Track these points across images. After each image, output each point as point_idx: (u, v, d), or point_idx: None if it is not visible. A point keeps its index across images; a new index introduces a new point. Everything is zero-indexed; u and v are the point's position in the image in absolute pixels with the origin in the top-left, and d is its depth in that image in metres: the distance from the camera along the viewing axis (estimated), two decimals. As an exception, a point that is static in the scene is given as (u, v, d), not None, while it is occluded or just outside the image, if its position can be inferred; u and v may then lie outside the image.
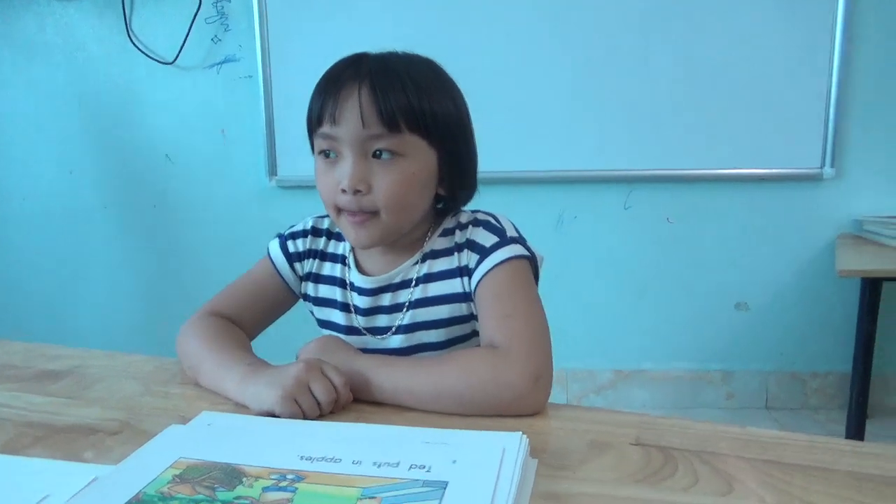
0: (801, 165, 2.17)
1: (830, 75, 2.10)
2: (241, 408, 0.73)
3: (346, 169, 0.78)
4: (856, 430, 1.80)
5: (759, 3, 2.08)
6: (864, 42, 2.09)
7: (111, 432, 0.69)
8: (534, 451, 0.61)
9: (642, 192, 2.25)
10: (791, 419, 2.26)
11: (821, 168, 2.15)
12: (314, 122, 0.81)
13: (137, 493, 0.54)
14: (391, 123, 0.77)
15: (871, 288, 1.77)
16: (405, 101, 0.77)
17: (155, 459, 0.60)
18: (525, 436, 0.60)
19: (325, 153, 0.81)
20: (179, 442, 0.64)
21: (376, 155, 0.78)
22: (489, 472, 0.55)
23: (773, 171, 2.18)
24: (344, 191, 0.78)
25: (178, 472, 0.58)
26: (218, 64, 2.30)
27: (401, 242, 0.87)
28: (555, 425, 0.68)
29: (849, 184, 2.18)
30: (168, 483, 0.56)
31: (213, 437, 0.65)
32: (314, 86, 0.82)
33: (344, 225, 0.83)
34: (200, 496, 0.53)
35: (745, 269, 2.27)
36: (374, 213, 0.80)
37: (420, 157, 0.81)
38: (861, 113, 2.13)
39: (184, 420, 0.70)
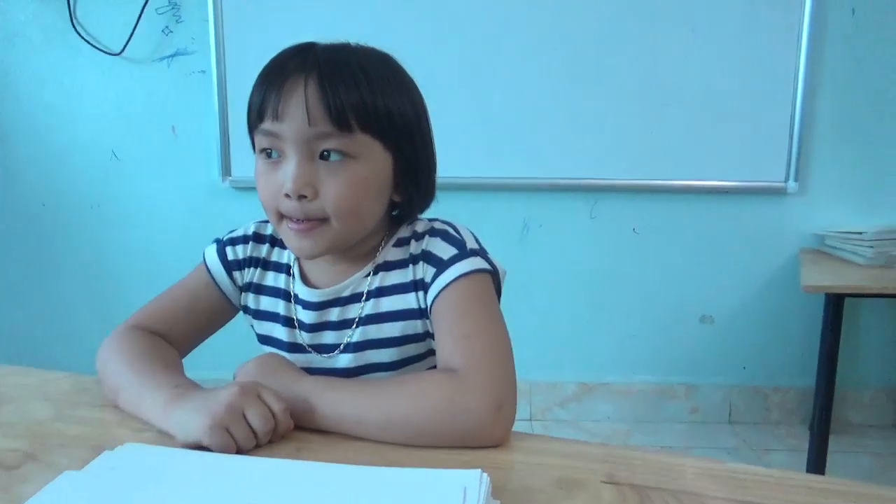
0: (766, 178, 2.16)
1: (795, 90, 2.11)
2: (165, 437, 0.64)
3: (289, 171, 0.70)
4: (819, 447, 1.78)
5: (727, 16, 2.08)
6: (829, 58, 2.10)
7: (9, 467, 0.60)
8: (495, 491, 0.54)
9: (608, 201, 2.21)
10: (753, 433, 2.24)
11: (785, 182, 2.15)
12: (254, 117, 0.72)
13: None
14: (341, 121, 0.69)
15: (835, 304, 1.76)
16: (357, 96, 0.69)
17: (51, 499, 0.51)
18: (485, 474, 0.54)
19: (267, 152, 0.72)
20: (73, 496, 0.53)
21: (324, 156, 0.71)
22: None
23: (738, 183, 2.17)
24: (287, 196, 0.70)
25: None
26: (169, 57, 2.19)
27: (351, 252, 0.79)
28: (518, 459, 0.62)
29: (811, 198, 2.18)
30: None
31: (117, 485, 0.55)
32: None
33: (286, 233, 0.74)
34: None
35: (710, 282, 2.26)
36: (323, 220, 0.72)
37: (373, 160, 0.73)
38: (825, 128, 2.14)
39: (97, 451, 0.61)
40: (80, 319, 2.36)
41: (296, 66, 0.70)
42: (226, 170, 2.21)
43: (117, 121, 2.24)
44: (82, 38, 2.17)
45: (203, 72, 2.18)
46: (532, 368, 2.25)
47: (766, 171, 2.16)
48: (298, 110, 0.69)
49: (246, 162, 2.17)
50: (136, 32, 2.16)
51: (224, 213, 2.23)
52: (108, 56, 2.18)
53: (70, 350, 2.21)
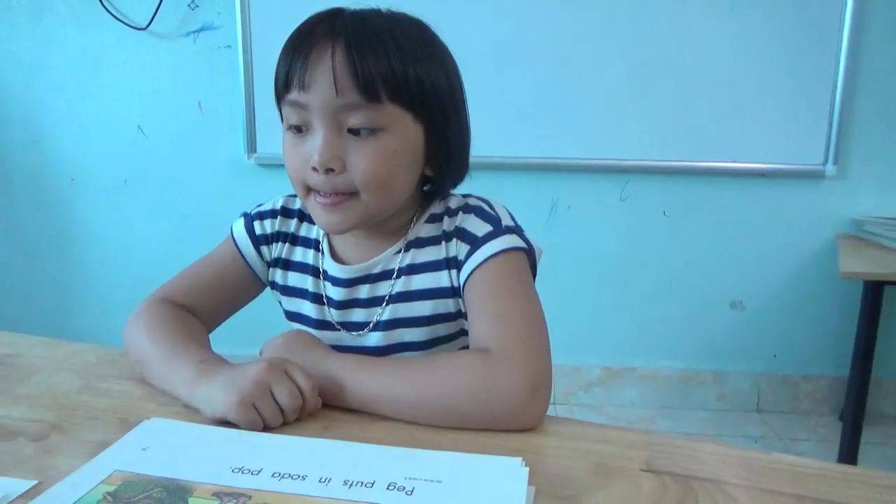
0: (803, 162, 2.10)
1: (837, 72, 2.03)
2: (191, 412, 0.63)
3: (316, 144, 0.68)
4: (852, 438, 1.74)
5: (767, -5, 2.01)
6: (871, 40, 2.02)
7: (35, 438, 0.59)
8: (530, 477, 0.52)
9: (639, 183, 2.17)
10: (781, 423, 2.20)
11: (823, 165, 2.09)
12: (280, 86, 0.70)
13: None
14: (370, 91, 0.66)
15: (874, 291, 1.71)
16: (387, 65, 0.66)
17: (84, 472, 0.51)
18: (525, 464, 0.51)
19: (297, 127, 0.70)
20: (115, 451, 0.54)
21: (353, 131, 0.68)
22: (480, 499, 0.48)
23: (774, 166, 2.11)
24: (314, 169, 0.68)
25: (110, 488, 0.49)
26: (195, 32, 2.17)
27: (382, 228, 0.77)
28: (553, 444, 0.59)
29: (850, 183, 2.12)
30: (98, 502, 0.47)
31: (155, 447, 0.55)
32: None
33: (313, 207, 0.72)
34: None
35: (742, 267, 2.20)
36: (352, 195, 0.70)
37: (403, 132, 0.70)
38: (866, 111, 2.07)
39: (124, 424, 0.60)
40: (108, 293, 2.38)
41: (323, 33, 0.67)
42: (251, 146, 2.20)
43: (143, 96, 2.24)
44: (109, 12, 2.16)
45: (229, 47, 2.16)
46: (556, 351, 2.17)
47: (803, 154, 2.09)
48: (325, 79, 0.66)
49: (271, 139, 2.15)
50: (161, 7, 2.14)
51: (249, 190, 2.22)
52: (134, 31, 2.17)
53: (97, 324, 2.24)
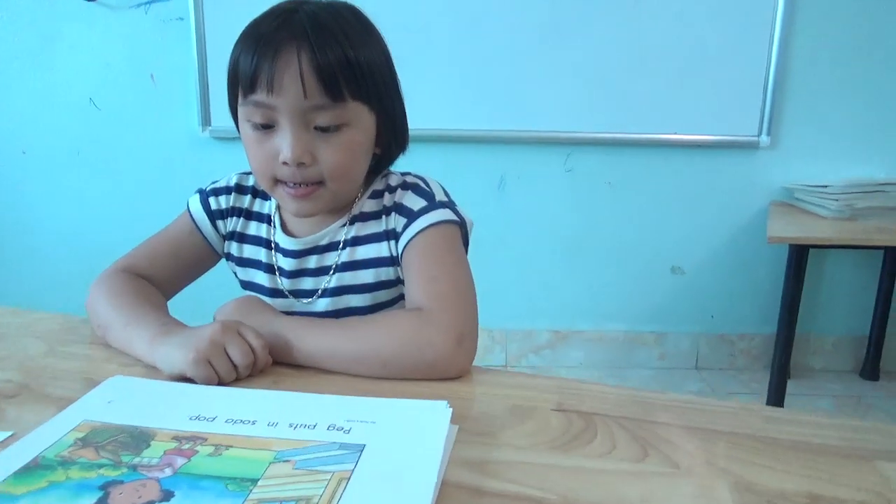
0: (739, 133, 2.20)
1: (771, 47, 2.13)
2: (151, 371, 0.69)
3: (286, 141, 0.73)
4: (777, 389, 1.88)
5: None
6: (804, 17, 2.12)
7: (6, 395, 0.64)
8: (456, 418, 0.59)
9: (583, 154, 2.25)
10: (718, 379, 2.35)
11: (757, 136, 2.20)
12: (245, 87, 0.73)
13: (35, 458, 0.51)
14: (335, 93, 0.72)
15: (798, 254, 1.83)
16: (347, 67, 0.72)
17: (56, 422, 0.57)
18: (450, 407, 0.59)
19: (262, 125, 0.74)
20: (83, 404, 0.60)
21: (319, 128, 0.74)
22: (409, 436, 0.54)
23: (712, 137, 2.21)
24: (285, 163, 0.74)
25: (80, 435, 0.55)
26: (146, 3, 2.16)
27: None
28: (478, 391, 0.67)
29: (782, 152, 2.23)
30: (69, 447, 0.53)
31: (119, 400, 0.61)
32: (240, 35, 0.75)
33: (282, 197, 0.78)
34: (104, 460, 0.50)
35: (681, 234, 2.32)
36: (319, 184, 0.76)
37: (363, 124, 0.77)
38: (798, 85, 2.18)
39: (89, 383, 0.66)
40: (61, 265, 2.38)
41: (286, 36, 0.71)
42: (206, 119, 2.21)
43: (95, 68, 2.22)
44: (57, -18, 2.14)
45: (181, 19, 2.15)
46: (507, 317, 2.32)
47: (739, 126, 2.20)
48: (294, 84, 0.71)
49: (226, 112, 2.15)
50: (111, -23, 2.12)
51: (204, 163, 2.24)
52: (84, 2, 2.15)
53: (50, 295, 2.24)
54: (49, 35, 2.20)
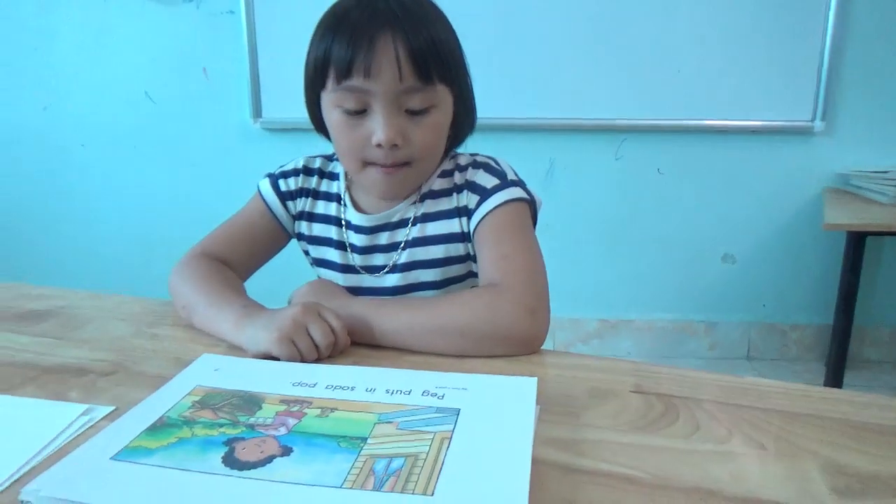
0: (792, 118, 2.16)
1: (825, 30, 2.07)
2: (235, 350, 0.71)
3: (381, 124, 0.75)
4: (834, 380, 1.85)
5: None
6: (859, -2, 2.06)
7: (103, 373, 0.67)
8: (536, 398, 0.60)
9: (633, 142, 2.23)
10: (770, 369, 2.31)
11: (811, 121, 2.15)
12: (340, 73, 0.75)
13: (161, 417, 0.54)
14: (426, 75, 0.75)
15: (856, 242, 1.79)
16: (434, 50, 0.75)
17: (170, 388, 0.60)
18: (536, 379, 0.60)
19: (355, 111, 0.76)
20: (191, 372, 0.64)
21: (409, 111, 0.76)
22: (500, 403, 0.56)
23: (764, 123, 2.17)
24: (378, 146, 0.76)
25: (197, 398, 0.58)
26: (197, -2, 2.21)
27: None
28: (554, 373, 0.68)
29: (837, 138, 2.18)
30: (189, 409, 0.56)
31: (225, 368, 0.65)
32: (324, 26, 0.77)
33: (373, 177, 0.80)
34: (223, 420, 0.54)
35: (733, 221, 2.28)
36: (406, 164, 0.79)
37: (446, 106, 0.80)
38: (853, 69, 2.12)
39: (179, 362, 0.68)
40: (121, 255, 2.46)
41: (380, 21, 0.73)
42: (257, 111, 2.25)
43: (149, 63, 2.28)
44: (113, -21, 2.19)
45: (232, 12, 2.19)
46: (555, 305, 2.27)
47: (792, 111, 2.15)
48: (390, 68, 0.73)
49: (277, 103, 2.20)
50: (164, -27, 2.17)
51: (256, 154, 2.29)
52: (137, -3, 2.21)
53: (113, 283, 2.32)
54: (104, 30, 2.26)
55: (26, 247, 2.51)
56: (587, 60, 2.14)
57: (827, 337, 2.26)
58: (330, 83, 0.77)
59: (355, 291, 0.85)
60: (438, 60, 0.75)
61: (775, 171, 2.23)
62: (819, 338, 2.32)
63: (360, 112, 0.77)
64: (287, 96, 2.10)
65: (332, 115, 0.79)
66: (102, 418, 0.58)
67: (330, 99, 0.78)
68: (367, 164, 0.79)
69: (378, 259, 0.88)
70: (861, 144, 2.18)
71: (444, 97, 0.79)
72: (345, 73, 0.74)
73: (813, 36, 2.08)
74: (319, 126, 0.85)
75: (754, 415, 0.58)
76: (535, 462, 0.50)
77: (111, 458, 0.48)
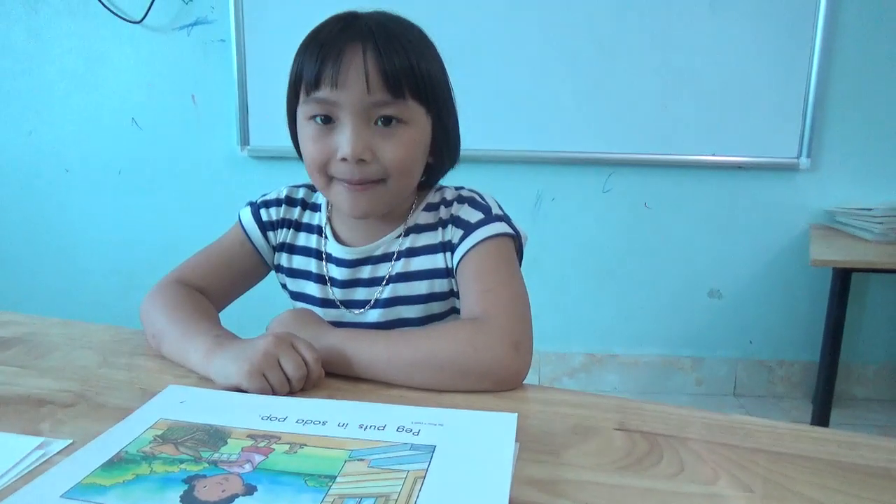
0: (778, 155, 2.17)
1: (811, 68, 2.11)
2: (205, 381, 0.69)
3: (346, 137, 0.74)
4: (821, 418, 1.83)
5: (743, -9, 2.07)
6: (845, 35, 2.10)
7: (64, 405, 0.64)
8: (516, 435, 0.58)
9: (621, 176, 2.24)
10: (757, 406, 2.29)
11: (797, 158, 2.17)
12: (309, 85, 0.75)
13: (118, 452, 0.52)
14: (396, 89, 0.73)
15: (842, 278, 1.79)
16: (408, 64, 0.74)
17: (132, 420, 0.58)
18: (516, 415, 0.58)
19: (322, 118, 0.76)
20: (155, 404, 0.61)
21: (379, 122, 0.75)
22: (477, 440, 0.54)
23: (751, 159, 2.18)
24: (343, 159, 0.74)
25: (159, 432, 0.56)
26: (189, 25, 2.21)
27: (384, 215, 0.84)
28: (536, 409, 0.66)
29: (823, 175, 2.20)
30: (150, 443, 0.54)
31: (191, 401, 0.62)
32: (301, 45, 0.77)
33: (337, 194, 0.78)
34: (185, 456, 0.51)
35: (720, 257, 2.28)
36: (377, 182, 0.77)
37: (420, 124, 0.78)
38: (839, 106, 2.15)
39: (145, 394, 0.66)
40: (103, 282, 2.42)
41: (350, 36, 0.73)
42: (244, 139, 2.24)
43: (138, 89, 2.28)
44: (104, 5, 2.20)
45: (223, 41, 2.20)
46: (541, 339, 2.25)
47: (778, 148, 2.17)
48: (358, 79, 0.72)
49: (264, 132, 2.20)
50: (156, 1, 2.18)
51: (242, 182, 2.27)
52: (128, 24, 2.21)
53: (93, 311, 2.27)
54: (94, 56, 2.26)
55: (6, 273, 2.47)
56: (575, 94, 2.16)
57: (814, 374, 2.26)
58: (301, 96, 0.76)
59: (335, 326, 0.82)
60: (412, 76, 0.74)
61: (762, 207, 2.24)
62: (806, 374, 2.31)
63: (328, 123, 0.75)
64: (275, 124, 2.07)
65: (302, 129, 0.78)
66: (58, 452, 0.55)
67: (302, 112, 0.78)
68: (332, 179, 0.78)
69: (359, 293, 0.85)
70: (847, 182, 2.20)
71: (417, 115, 0.77)
72: (314, 84, 0.74)
73: (799, 73, 2.12)
74: (299, 149, 0.84)
75: (741, 455, 0.56)
76: (513, 503, 0.47)
77: (62, 496, 0.46)
